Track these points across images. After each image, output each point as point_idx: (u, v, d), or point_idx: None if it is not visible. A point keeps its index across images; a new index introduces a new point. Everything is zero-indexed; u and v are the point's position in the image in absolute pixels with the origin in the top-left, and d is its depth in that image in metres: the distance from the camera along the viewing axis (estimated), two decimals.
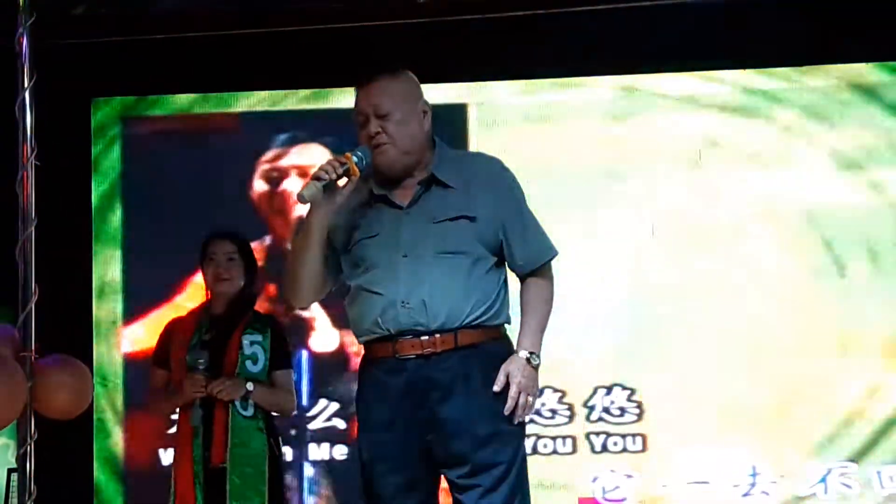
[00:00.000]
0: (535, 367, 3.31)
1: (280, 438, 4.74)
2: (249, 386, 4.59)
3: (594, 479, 6.07)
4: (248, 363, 4.63)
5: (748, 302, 6.08)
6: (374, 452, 3.35)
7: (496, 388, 3.26)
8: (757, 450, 6.03)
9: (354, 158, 3.28)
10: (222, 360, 4.61)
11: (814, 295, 6.08)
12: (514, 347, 3.36)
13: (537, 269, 3.42)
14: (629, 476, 6.06)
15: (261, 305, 4.95)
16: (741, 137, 6.15)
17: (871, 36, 5.94)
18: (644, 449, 6.07)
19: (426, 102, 3.43)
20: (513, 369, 3.27)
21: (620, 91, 6.23)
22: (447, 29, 5.86)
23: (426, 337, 3.27)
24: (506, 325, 3.40)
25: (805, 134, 6.15)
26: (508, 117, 6.25)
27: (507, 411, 3.26)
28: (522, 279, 3.43)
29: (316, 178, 3.24)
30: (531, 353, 3.31)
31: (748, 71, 6.16)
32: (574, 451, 6.06)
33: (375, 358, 3.36)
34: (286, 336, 4.80)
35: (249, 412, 4.60)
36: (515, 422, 3.29)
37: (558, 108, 6.24)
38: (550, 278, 3.45)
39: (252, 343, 4.65)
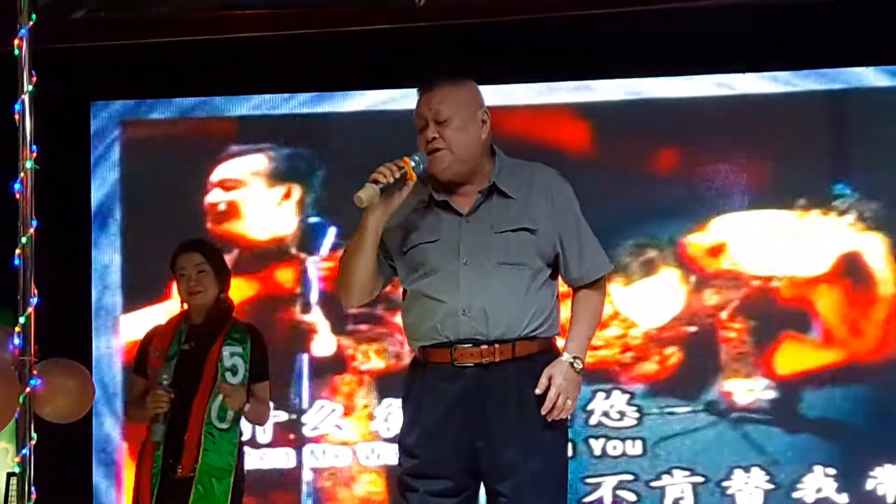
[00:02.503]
0: (578, 372, 3.35)
1: (244, 453, 4.74)
2: (247, 407, 4.60)
3: (594, 484, 6.06)
4: (228, 375, 4.61)
5: (746, 302, 6.10)
6: (421, 454, 3.36)
7: (538, 390, 3.29)
8: (756, 454, 6.03)
9: (412, 163, 3.30)
10: (201, 371, 4.60)
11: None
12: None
13: (591, 282, 3.47)
14: (628, 480, 6.05)
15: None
16: None
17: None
18: (644, 452, 6.07)
19: (486, 112, 3.45)
20: (555, 372, 3.31)
21: (623, 95, 6.23)
22: (446, 33, 5.84)
23: (485, 346, 3.31)
24: (556, 337, 3.44)
25: None
26: (509, 120, 6.24)
27: (543, 411, 3.29)
28: (576, 290, 3.47)
29: (374, 181, 3.25)
30: (575, 357, 3.35)
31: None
32: (574, 454, 6.05)
33: (431, 363, 3.37)
34: (265, 345, 4.77)
35: (225, 425, 4.59)
36: (548, 418, 3.29)
37: (559, 112, 6.24)
38: (603, 290, 3.51)
39: (232, 354, 4.63)
